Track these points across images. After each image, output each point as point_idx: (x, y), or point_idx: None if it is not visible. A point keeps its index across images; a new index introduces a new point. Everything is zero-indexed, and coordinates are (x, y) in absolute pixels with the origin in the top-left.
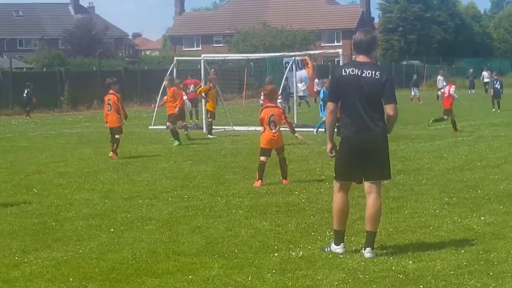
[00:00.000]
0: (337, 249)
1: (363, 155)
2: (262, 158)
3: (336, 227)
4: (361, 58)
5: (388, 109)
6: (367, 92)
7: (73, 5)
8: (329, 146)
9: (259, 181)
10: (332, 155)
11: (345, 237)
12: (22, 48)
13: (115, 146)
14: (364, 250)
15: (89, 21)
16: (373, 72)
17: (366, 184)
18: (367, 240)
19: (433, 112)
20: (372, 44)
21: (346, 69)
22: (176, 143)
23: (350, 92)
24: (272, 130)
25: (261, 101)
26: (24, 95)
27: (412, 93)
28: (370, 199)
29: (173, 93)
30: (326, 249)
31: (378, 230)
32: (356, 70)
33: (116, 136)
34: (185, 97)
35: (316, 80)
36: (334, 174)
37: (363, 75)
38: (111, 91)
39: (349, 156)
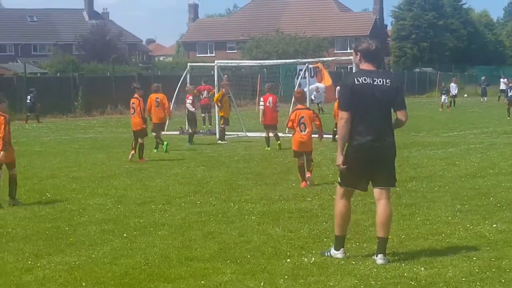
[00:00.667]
0: (337, 254)
1: (374, 163)
2: (299, 161)
3: (337, 232)
4: (367, 66)
5: (400, 115)
6: (380, 100)
7: (88, 10)
8: (340, 158)
9: (303, 182)
10: (343, 167)
11: (357, 244)
12: (37, 53)
13: (141, 152)
14: (376, 256)
15: (103, 27)
16: (384, 80)
17: (376, 191)
18: (379, 246)
19: (447, 118)
20: (381, 53)
21: (358, 78)
22: (164, 147)
23: (363, 100)
24: (302, 132)
25: (261, 107)
26: (28, 100)
27: (443, 100)
28: (380, 206)
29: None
30: (326, 254)
31: (389, 236)
32: (368, 79)
33: (140, 141)
34: (189, 102)
35: (338, 87)
36: (339, 180)
37: (375, 83)
38: (135, 95)
39: (359, 164)
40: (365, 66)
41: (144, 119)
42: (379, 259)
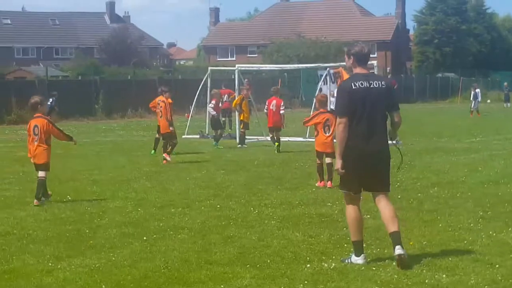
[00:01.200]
0: (357, 260)
1: (372, 166)
2: (318, 161)
3: (353, 238)
4: (361, 70)
5: (396, 117)
6: (377, 102)
7: (109, 14)
8: (339, 162)
9: (322, 182)
10: (342, 171)
11: (378, 249)
12: (58, 56)
13: (169, 148)
14: (394, 248)
15: (124, 30)
16: (379, 82)
17: (375, 195)
18: (394, 240)
19: (469, 124)
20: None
21: (355, 83)
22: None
23: (362, 104)
24: (325, 133)
25: (265, 111)
26: (49, 103)
27: (473, 105)
28: (382, 205)
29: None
30: (346, 261)
31: (411, 243)
32: (365, 82)
33: (174, 141)
34: (210, 106)
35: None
36: (340, 184)
37: (371, 86)
38: (162, 99)
39: (357, 166)
40: (358, 69)
41: (170, 122)
42: (397, 249)
